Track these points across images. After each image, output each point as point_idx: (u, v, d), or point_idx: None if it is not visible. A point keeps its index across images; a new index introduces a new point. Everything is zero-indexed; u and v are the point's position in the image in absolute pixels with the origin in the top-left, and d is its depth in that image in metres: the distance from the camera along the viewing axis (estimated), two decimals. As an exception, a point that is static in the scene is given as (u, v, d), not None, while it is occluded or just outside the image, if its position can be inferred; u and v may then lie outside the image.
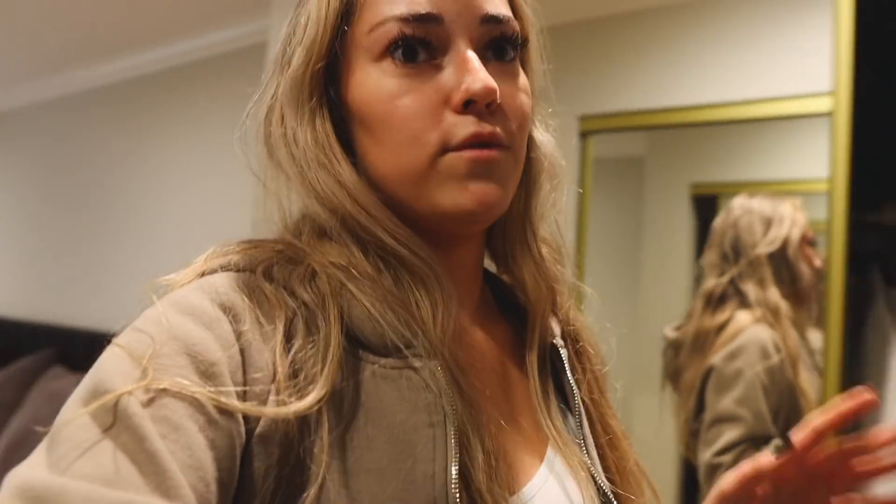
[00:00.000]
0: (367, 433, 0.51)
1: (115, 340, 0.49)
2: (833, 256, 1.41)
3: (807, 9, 1.61)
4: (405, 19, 0.56)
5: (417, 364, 0.54)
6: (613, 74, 1.87)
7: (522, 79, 0.61)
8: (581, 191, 1.84)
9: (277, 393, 0.49)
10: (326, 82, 0.60)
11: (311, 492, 0.48)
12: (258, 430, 0.48)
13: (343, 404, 0.51)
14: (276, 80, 0.62)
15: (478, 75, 0.55)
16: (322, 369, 0.50)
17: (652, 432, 1.74)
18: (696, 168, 1.83)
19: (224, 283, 0.54)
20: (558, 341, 0.69)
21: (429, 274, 0.57)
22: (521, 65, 0.63)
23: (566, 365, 0.68)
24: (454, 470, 0.50)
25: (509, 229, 0.66)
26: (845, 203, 1.41)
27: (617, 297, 1.85)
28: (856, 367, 1.40)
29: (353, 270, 0.56)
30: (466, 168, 0.56)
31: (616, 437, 0.68)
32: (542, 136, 0.68)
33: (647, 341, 1.76)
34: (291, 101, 0.60)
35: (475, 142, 0.56)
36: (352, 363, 0.53)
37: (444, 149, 0.56)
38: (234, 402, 0.47)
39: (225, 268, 0.56)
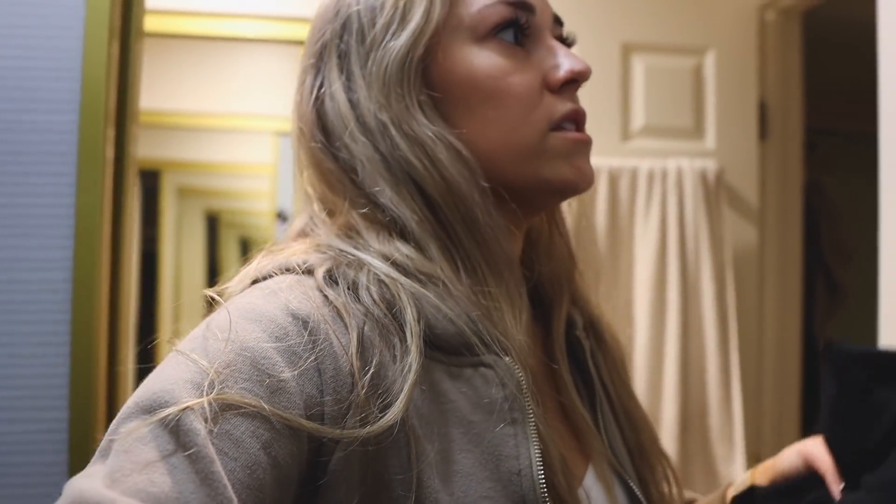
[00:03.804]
0: (449, 435, 0.50)
1: (178, 346, 0.47)
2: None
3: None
4: (512, 3, 0.57)
5: (491, 360, 0.52)
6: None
7: None
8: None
9: (357, 410, 0.47)
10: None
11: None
12: (337, 449, 0.46)
13: (422, 410, 0.49)
14: (342, 65, 0.58)
15: (577, 58, 0.59)
16: (403, 387, 0.48)
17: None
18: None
19: (293, 288, 0.51)
20: (581, 333, 0.68)
21: (507, 271, 0.57)
22: None
23: (588, 356, 0.67)
24: (539, 464, 0.50)
25: (537, 220, 0.66)
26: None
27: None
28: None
29: (420, 270, 0.53)
30: (571, 147, 0.59)
31: (638, 424, 0.68)
32: None
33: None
34: (395, 85, 0.56)
35: (575, 117, 0.59)
36: (425, 366, 0.50)
37: (549, 126, 0.58)
38: (303, 421, 0.45)
39: (284, 271, 0.54)
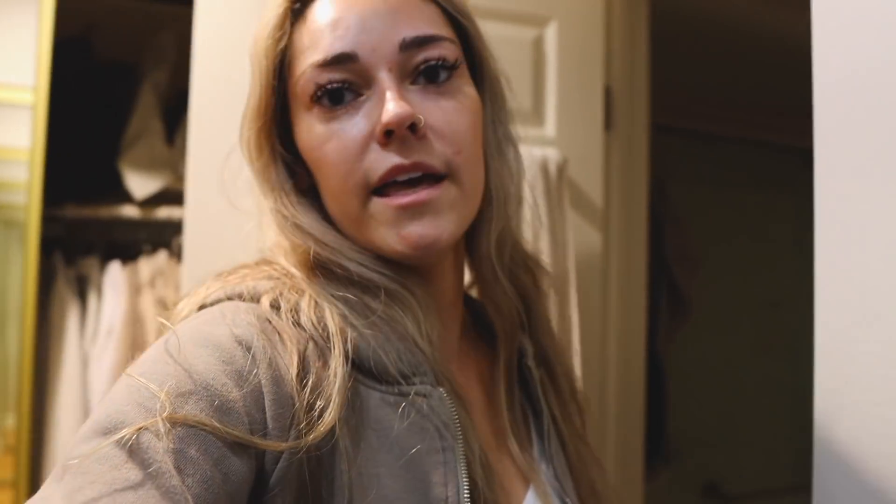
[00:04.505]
0: (381, 461, 0.52)
1: (129, 370, 0.48)
2: (28, 242, 1.70)
3: (16, 6, 1.72)
4: (322, 65, 0.57)
5: (425, 391, 0.55)
6: None
7: (464, 99, 0.59)
8: None
9: (298, 423, 0.49)
10: (277, 136, 0.62)
11: None
12: (278, 466, 0.48)
13: (357, 434, 0.52)
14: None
15: (388, 104, 0.55)
16: (330, 399, 0.50)
17: None
18: None
19: (238, 315, 0.53)
20: (531, 362, 0.69)
21: (399, 290, 0.58)
22: (475, 83, 0.63)
23: (538, 386, 0.68)
24: (466, 493, 0.52)
25: (477, 255, 0.65)
26: (39, 197, 1.69)
27: None
28: (43, 326, 1.73)
29: (350, 301, 0.57)
30: (395, 215, 0.56)
31: (586, 459, 0.70)
32: (507, 157, 0.65)
33: None
34: (249, 157, 0.63)
35: (397, 175, 0.56)
36: (361, 392, 0.54)
37: (369, 189, 0.57)
38: (250, 437, 0.47)
39: (231, 297, 0.57)
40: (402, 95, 0.55)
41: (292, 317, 0.55)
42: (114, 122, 1.89)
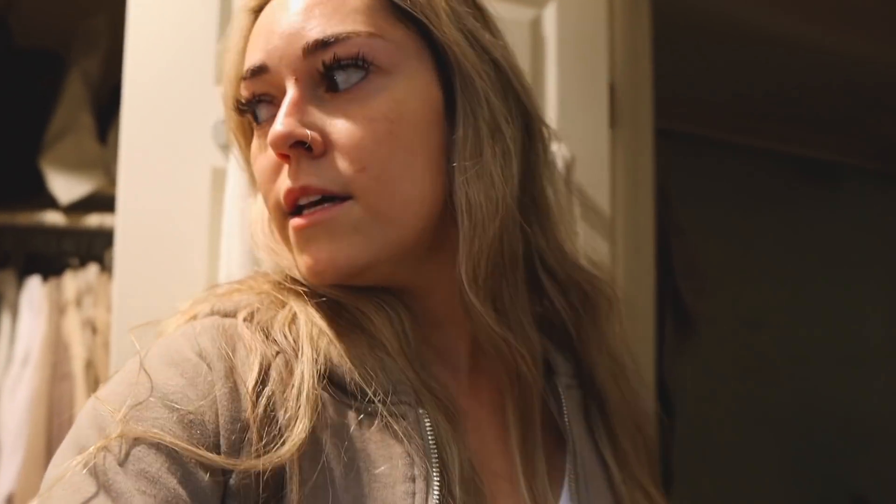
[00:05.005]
0: (343, 485, 0.49)
1: (96, 393, 0.49)
2: None
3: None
4: (244, 78, 0.55)
5: (401, 410, 0.52)
6: None
7: (380, 104, 0.52)
8: None
9: (252, 442, 0.47)
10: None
11: None
12: (231, 482, 0.46)
13: (321, 454, 0.49)
14: None
15: (275, 124, 0.52)
16: (297, 414, 0.48)
17: None
18: None
19: (209, 330, 0.53)
20: (561, 381, 0.65)
21: (371, 305, 0.56)
22: (442, 78, 0.56)
23: (565, 412, 0.63)
24: None
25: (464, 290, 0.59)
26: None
27: None
28: None
29: (327, 315, 0.55)
30: (296, 238, 0.55)
31: (638, 489, 0.64)
32: (487, 164, 0.54)
33: None
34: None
35: (296, 199, 0.53)
36: (335, 409, 0.51)
37: (284, 212, 0.55)
38: (211, 455, 0.46)
39: (212, 313, 0.56)
40: (294, 110, 0.51)
41: (263, 330, 0.53)
42: (36, 115, 1.63)
